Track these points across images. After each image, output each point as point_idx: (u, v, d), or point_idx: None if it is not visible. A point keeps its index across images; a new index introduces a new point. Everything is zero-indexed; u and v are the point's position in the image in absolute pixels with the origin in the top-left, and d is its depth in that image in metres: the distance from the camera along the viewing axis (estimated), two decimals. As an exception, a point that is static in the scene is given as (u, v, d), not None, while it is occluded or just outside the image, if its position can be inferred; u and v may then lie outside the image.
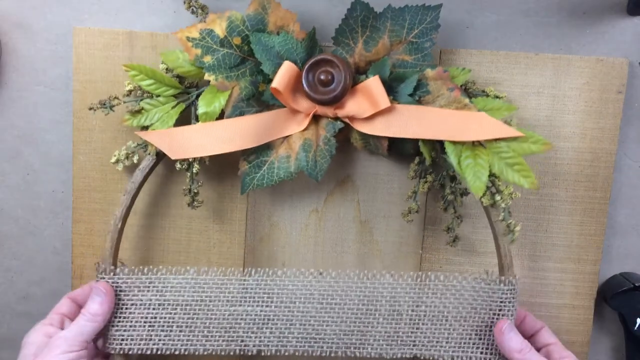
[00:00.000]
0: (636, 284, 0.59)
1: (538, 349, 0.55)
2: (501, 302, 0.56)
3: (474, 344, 0.56)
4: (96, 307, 0.54)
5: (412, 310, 0.56)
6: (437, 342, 0.56)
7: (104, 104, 0.56)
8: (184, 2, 0.56)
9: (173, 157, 0.55)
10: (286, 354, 0.57)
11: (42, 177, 0.63)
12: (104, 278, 0.56)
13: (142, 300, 0.56)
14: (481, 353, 0.56)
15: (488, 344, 0.56)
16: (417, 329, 0.56)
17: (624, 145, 0.61)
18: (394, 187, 0.61)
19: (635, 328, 0.59)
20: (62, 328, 0.55)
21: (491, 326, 0.56)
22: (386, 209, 0.61)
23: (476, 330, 0.56)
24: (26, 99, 0.62)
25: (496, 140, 0.54)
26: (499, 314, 0.56)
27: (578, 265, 0.61)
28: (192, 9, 0.56)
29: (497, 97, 0.56)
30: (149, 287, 0.56)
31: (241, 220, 0.62)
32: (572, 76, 0.59)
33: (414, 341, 0.56)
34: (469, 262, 0.62)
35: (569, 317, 0.62)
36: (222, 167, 0.59)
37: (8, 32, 0.61)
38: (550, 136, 0.60)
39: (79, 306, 0.57)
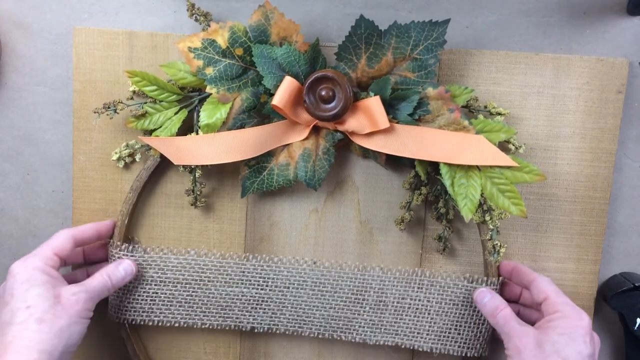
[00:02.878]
0: (636, 284, 0.59)
1: (538, 304, 0.54)
2: None
3: (452, 337, 0.59)
4: (119, 280, 0.56)
5: (398, 302, 0.60)
6: (418, 333, 0.60)
7: (109, 107, 0.56)
8: (187, 10, 0.56)
9: (176, 163, 0.56)
10: (277, 332, 0.61)
11: (42, 177, 0.63)
12: (112, 251, 0.59)
13: (144, 277, 0.59)
14: (459, 347, 0.59)
15: (466, 339, 0.59)
16: (400, 319, 0.60)
17: (624, 145, 0.61)
18: (394, 187, 0.61)
19: (635, 328, 0.59)
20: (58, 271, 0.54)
21: (470, 322, 0.59)
22: (386, 209, 0.61)
23: (455, 325, 0.59)
24: (26, 99, 0.62)
25: (491, 165, 0.55)
26: (478, 311, 0.58)
27: (578, 265, 0.61)
28: (195, 17, 0.56)
29: (499, 113, 0.57)
30: (150, 264, 0.59)
31: (241, 220, 0.62)
32: (572, 76, 0.59)
33: (397, 330, 0.60)
34: (468, 262, 0.62)
35: (569, 317, 0.62)
36: (222, 167, 0.59)
37: (8, 32, 0.61)
38: (550, 136, 0.60)
39: (77, 247, 0.57)
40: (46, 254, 0.53)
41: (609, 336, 0.64)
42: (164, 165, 0.59)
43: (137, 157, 0.60)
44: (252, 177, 0.58)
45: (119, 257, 0.58)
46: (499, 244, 0.56)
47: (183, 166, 0.58)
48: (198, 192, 0.59)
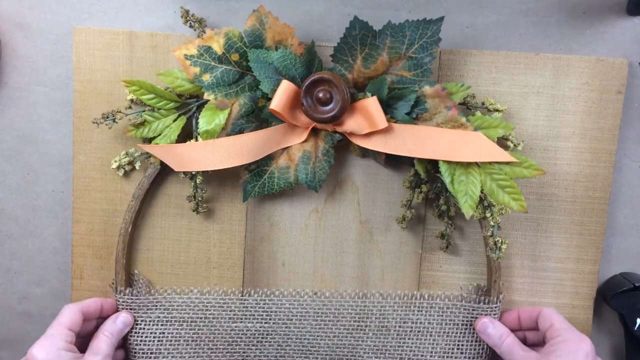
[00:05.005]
0: (636, 284, 0.59)
1: (544, 337, 0.56)
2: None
3: (455, 357, 0.59)
4: (119, 334, 0.58)
5: (400, 327, 0.60)
6: (421, 355, 0.60)
7: (107, 117, 0.57)
8: (181, 17, 0.56)
9: (177, 170, 0.57)
10: None
11: (42, 177, 0.63)
12: (117, 297, 0.59)
13: (150, 317, 0.59)
14: None
15: (469, 357, 0.59)
16: (403, 343, 0.60)
17: (624, 145, 0.61)
18: (393, 187, 0.61)
19: (635, 328, 0.59)
20: (77, 346, 0.55)
21: (471, 340, 0.59)
22: (386, 209, 0.61)
23: (458, 345, 0.59)
24: (26, 99, 0.62)
25: (490, 161, 0.55)
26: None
27: (578, 265, 0.61)
28: (190, 23, 0.56)
29: (496, 110, 0.57)
30: (156, 305, 0.60)
31: (241, 220, 0.62)
32: (572, 76, 0.59)
33: (401, 354, 0.60)
34: (468, 261, 0.62)
35: (568, 317, 0.61)
36: (222, 169, 0.59)
37: (8, 32, 0.61)
38: (550, 136, 0.60)
39: (85, 320, 0.58)
40: (63, 332, 0.54)
41: (609, 336, 0.64)
42: (165, 167, 0.59)
43: (137, 164, 0.60)
44: (253, 181, 0.58)
45: (123, 302, 0.59)
46: (500, 241, 0.56)
47: (184, 172, 0.58)
48: (199, 198, 0.59)
